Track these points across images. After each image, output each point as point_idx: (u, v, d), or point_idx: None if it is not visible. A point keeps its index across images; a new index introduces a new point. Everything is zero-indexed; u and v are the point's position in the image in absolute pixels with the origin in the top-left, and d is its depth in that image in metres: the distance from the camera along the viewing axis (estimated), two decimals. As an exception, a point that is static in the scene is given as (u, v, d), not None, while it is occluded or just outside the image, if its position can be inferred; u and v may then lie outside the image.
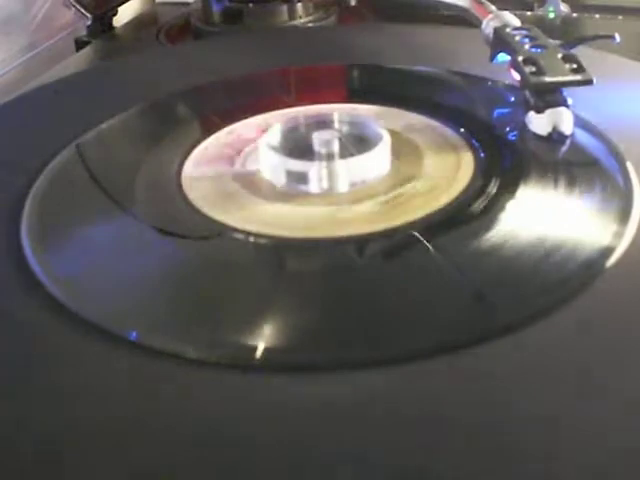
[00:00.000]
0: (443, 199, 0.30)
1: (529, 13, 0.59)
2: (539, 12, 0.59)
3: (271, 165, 0.33)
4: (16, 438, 0.22)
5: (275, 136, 0.34)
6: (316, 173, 0.31)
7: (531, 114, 0.34)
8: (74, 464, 0.21)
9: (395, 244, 0.29)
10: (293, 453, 0.21)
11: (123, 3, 0.65)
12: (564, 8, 0.59)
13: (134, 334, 0.25)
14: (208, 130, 0.37)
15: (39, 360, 0.25)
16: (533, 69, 0.34)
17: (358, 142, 0.33)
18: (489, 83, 0.40)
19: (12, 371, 0.24)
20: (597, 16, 0.58)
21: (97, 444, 0.22)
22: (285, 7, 0.59)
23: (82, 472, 0.21)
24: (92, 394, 0.23)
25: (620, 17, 0.58)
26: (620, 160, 0.32)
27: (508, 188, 0.31)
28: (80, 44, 0.61)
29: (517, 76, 0.35)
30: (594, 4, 0.60)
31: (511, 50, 0.36)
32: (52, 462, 0.21)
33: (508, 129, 0.36)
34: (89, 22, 0.61)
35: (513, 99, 0.37)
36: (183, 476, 0.21)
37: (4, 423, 0.22)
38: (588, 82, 0.34)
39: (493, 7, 0.41)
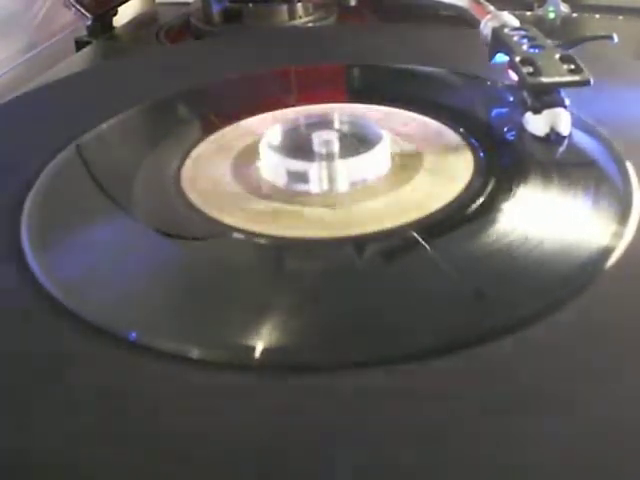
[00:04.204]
0: (443, 199, 0.30)
1: (529, 13, 0.59)
2: (539, 12, 0.59)
3: (271, 165, 0.33)
4: (16, 438, 0.22)
5: (275, 136, 0.34)
6: (316, 173, 0.31)
7: (528, 115, 0.34)
8: (76, 463, 0.21)
9: (394, 244, 0.29)
10: (292, 453, 0.21)
11: (123, 3, 0.65)
12: (564, 8, 0.59)
13: (134, 334, 0.25)
14: (208, 130, 0.38)
15: (39, 360, 0.25)
16: (530, 70, 0.34)
17: (358, 142, 0.33)
18: (488, 83, 0.40)
19: (12, 371, 0.24)
20: (597, 16, 0.59)
21: (97, 445, 0.22)
22: (285, 7, 0.59)
23: (82, 472, 0.21)
24: (92, 394, 0.23)
25: (620, 17, 0.58)
26: (619, 160, 0.32)
27: (508, 188, 0.31)
28: (80, 44, 0.61)
29: (515, 76, 0.35)
30: (594, 4, 0.60)
31: (509, 50, 0.36)
32: (53, 462, 0.21)
33: (508, 129, 0.36)
34: (89, 22, 0.61)
35: (513, 99, 0.37)
36: (183, 475, 0.21)
37: (4, 423, 0.23)
38: (585, 83, 0.34)
39: (492, 7, 0.41)
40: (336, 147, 0.32)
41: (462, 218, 0.30)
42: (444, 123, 0.36)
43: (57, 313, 0.26)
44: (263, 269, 0.29)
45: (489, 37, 0.39)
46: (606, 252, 0.27)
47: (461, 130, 0.36)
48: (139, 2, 0.70)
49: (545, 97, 0.34)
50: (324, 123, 0.34)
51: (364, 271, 0.28)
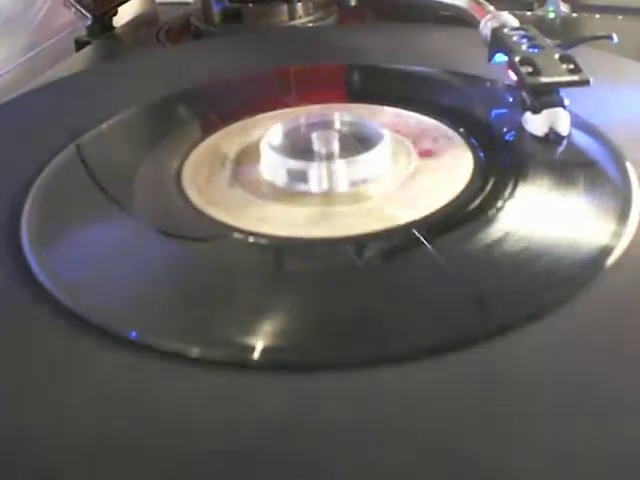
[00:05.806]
0: (443, 198, 0.30)
1: (529, 13, 0.59)
2: (539, 12, 0.59)
3: (271, 165, 0.33)
4: (15, 438, 0.22)
5: (275, 136, 0.34)
6: (316, 173, 0.32)
7: (527, 114, 0.35)
8: (74, 463, 0.21)
9: (395, 244, 0.29)
10: (292, 453, 0.21)
11: (123, 3, 0.65)
12: (564, 8, 0.59)
13: (134, 334, 0.25)
14: (208, 130, 0.38)
15: (39, 360, 0.25)
16: (530, 69, 0.34)
17: (358, 142, 0.33)
18: (488, 83, 0.40)
19: (11, 371, 0.24)
20: (597, 16, 0.59)
21: (96, 444, 0.22)
22: (285, 7, 0.59)
23: (81, 471, 0.21)
24: (92, 394, 0.23)
25: (620, 17, 0.58)
26: (619, 160, 0.32)
27: (508, 188, 0.31)
28: (80, 44, 0.61)
29: (514, 76, 0.35)
30: (594, 4, 0.60)
31: (508, 50, 0.36)
32: (52, 461, 0.21)
33: (508, 129, 0.36)
34: (89, 22, 0.61)
35: (512, 99, 0.37)
36: (183, 475, 0.21)
37: (4, 423, 0.23)
38: (585, 83, 0.34)
39: (491, 7, 0.41)
40: (336, 147, 0.32)
41: (462, 217, 0.30)
42: (444, 123, 0.36)
43: (57, 313, 0.26)
44: (263, 269, 0.29)
45: (489, 37, 0.39)
46: (606, 252, 0.27)
47: (461, 130, 0.36)
48: (139, 2, 0.70)
49: (544, 97, 0.34)
50: (324, 123, 0.34)
51: (364, 271, 0.28)
